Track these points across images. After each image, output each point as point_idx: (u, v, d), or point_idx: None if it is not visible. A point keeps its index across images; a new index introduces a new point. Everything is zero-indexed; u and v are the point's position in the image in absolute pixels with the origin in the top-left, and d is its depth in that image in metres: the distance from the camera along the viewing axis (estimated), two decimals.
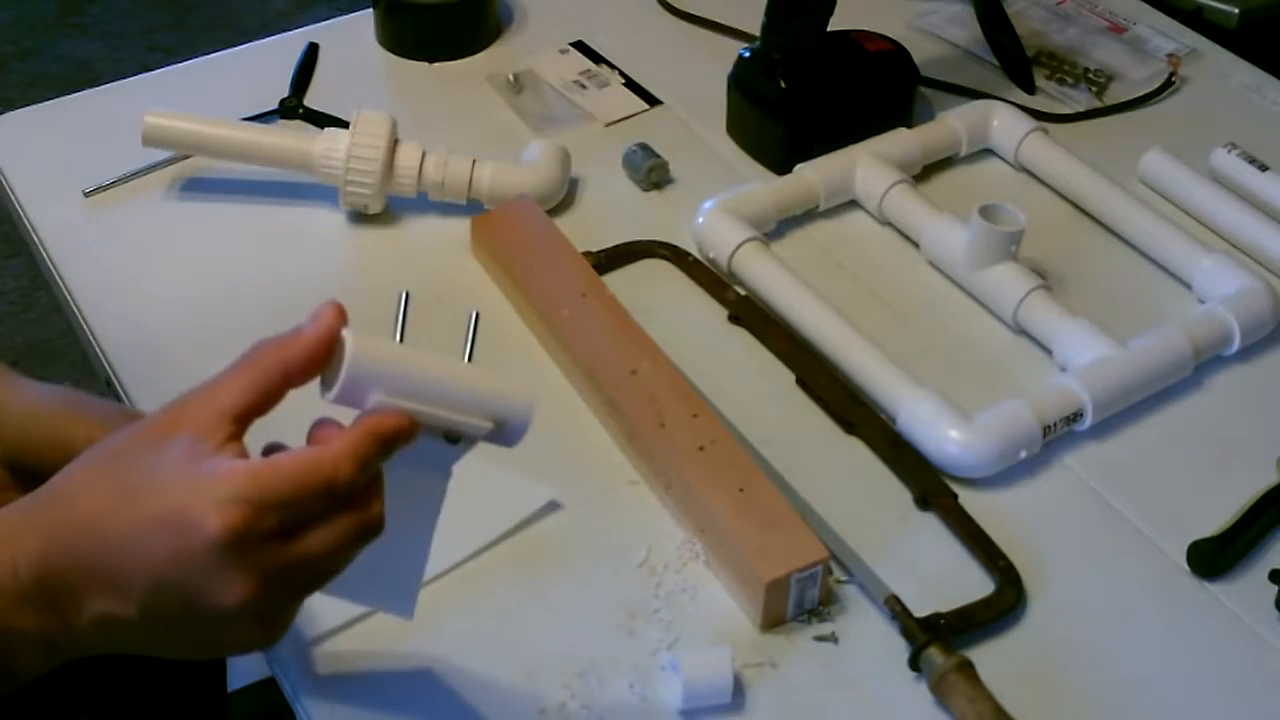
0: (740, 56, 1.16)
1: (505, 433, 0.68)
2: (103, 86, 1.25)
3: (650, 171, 1.12)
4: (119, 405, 0.79)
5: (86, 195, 1.10)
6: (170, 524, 0.58)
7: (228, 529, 0.57)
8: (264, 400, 0.61)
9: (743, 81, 1.16)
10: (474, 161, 1.07)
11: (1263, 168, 1.11)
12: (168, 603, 0.59)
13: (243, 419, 0.61)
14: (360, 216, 1.09)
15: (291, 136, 1.08)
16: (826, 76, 1.14)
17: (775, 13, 1.11)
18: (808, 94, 1.13)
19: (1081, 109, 1.23)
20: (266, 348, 0.62)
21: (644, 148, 1.14)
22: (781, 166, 1.13)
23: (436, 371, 0.66)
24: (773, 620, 0.82)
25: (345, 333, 0.63)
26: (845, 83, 1.15)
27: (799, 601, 0.82)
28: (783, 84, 1.12)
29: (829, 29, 1.12)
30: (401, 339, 0.98)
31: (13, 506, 0.62)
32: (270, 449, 0.63)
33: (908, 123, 1.17)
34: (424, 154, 1.07)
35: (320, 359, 0.62)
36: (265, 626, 0.62)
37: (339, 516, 0.61)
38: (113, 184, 1.11)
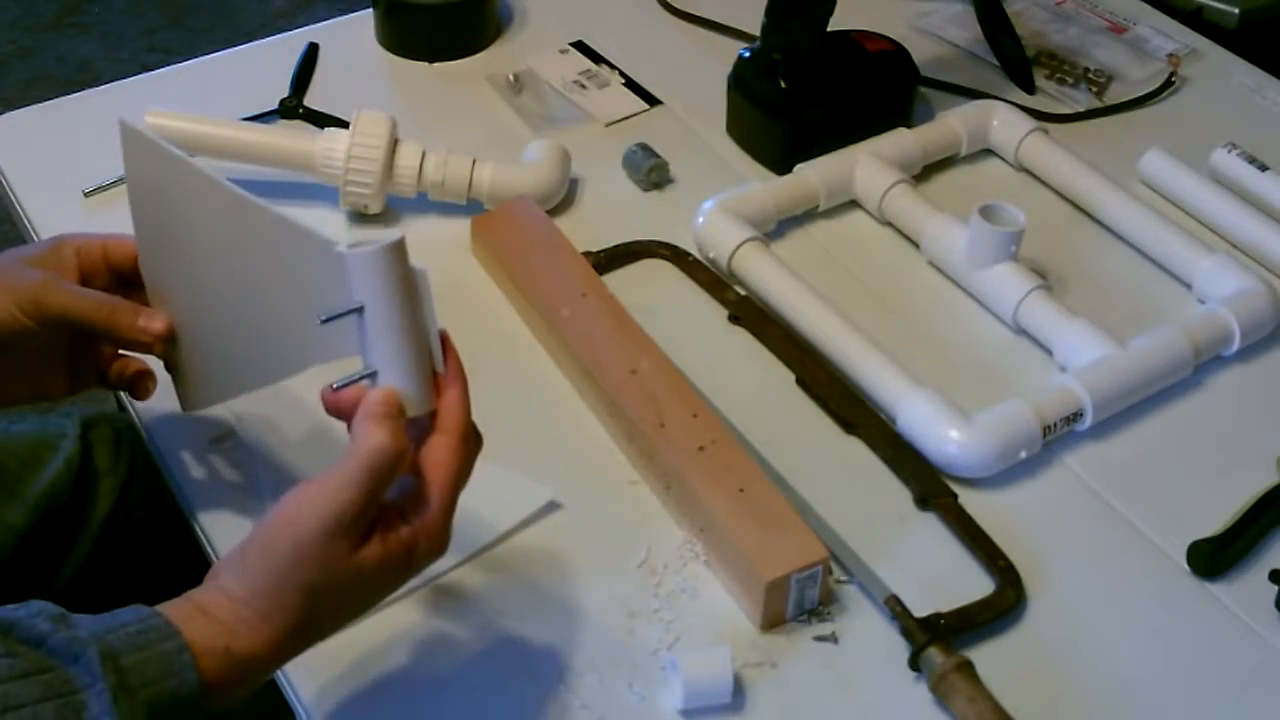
0: (740, 57, 1.16)
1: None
2: (103, 86, 1.25)
3: (650, 171, 1.12)
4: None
5: (86, 195, 1.10)
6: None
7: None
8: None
9: (743, 82, 1.16)
10: (474, 161, 1.07)
11: (1263, 168, 1.11)
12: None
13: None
14: (360, 216, 1.09)
15: (292, 136, 1.08)
16: (826, 77, 1.14)
17: (775, 13, 1.11)
18: (808, 94, 1.13)
19: (1081, 109, 1.23)
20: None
21: (644, 148, 1.14)
22: (781, 167, 1.13)
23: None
24: (773, 620, 0.82)
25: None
26: (845, 83, 1.15)
27: (799, 601, 0.82)
28: (783, 84, 1.12)
29: (829, 29, 1.12)
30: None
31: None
32: None
33: (908, 123, 1.17)
34: (424, 154, 1.07)
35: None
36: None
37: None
38: (113, 184, 1.11)
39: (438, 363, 0.72)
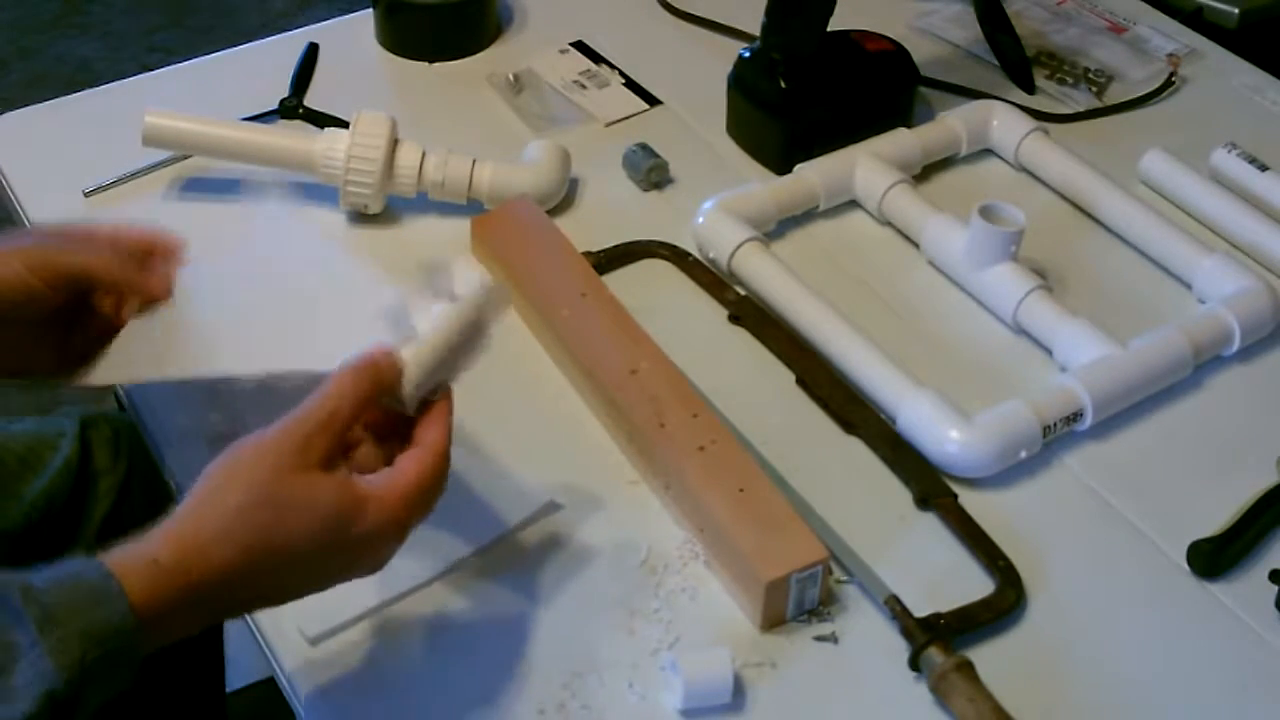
0: (740, 57, 1.16)
1: None
2: (103, 86, 1.25)
3: (650, 171, 1.12)
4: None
5: (86, 195, 1.10)
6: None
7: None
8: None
9: (743, 82, 1.16)
10: (474, 161, 1.07)
11: (1263, 168, 1.11)
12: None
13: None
14: (360, 216, 1.09)
15: (292, 137, 1.08)
16: (826, 77, 1.14)
17: (775, 13, 1.11)
18: (808, 94, 1.13)
19: (1081, 109, 1.23)
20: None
21: (644, 148, 1.14)
22: (781, 166, 1.13)
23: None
24: (773, 620, 0.82)
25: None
26: (845, 83, 1.15)
27: (799, 601, 0.82)
28: (783, 84, 1.12)
29: (829, 29, 1.12)
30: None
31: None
32: None
33: (907, 122, 1.17)
34: (424, 154, 1.07)
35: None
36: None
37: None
38: (113, 184, 1.11)
39: (442, 388, 0.75)
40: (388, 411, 0.74)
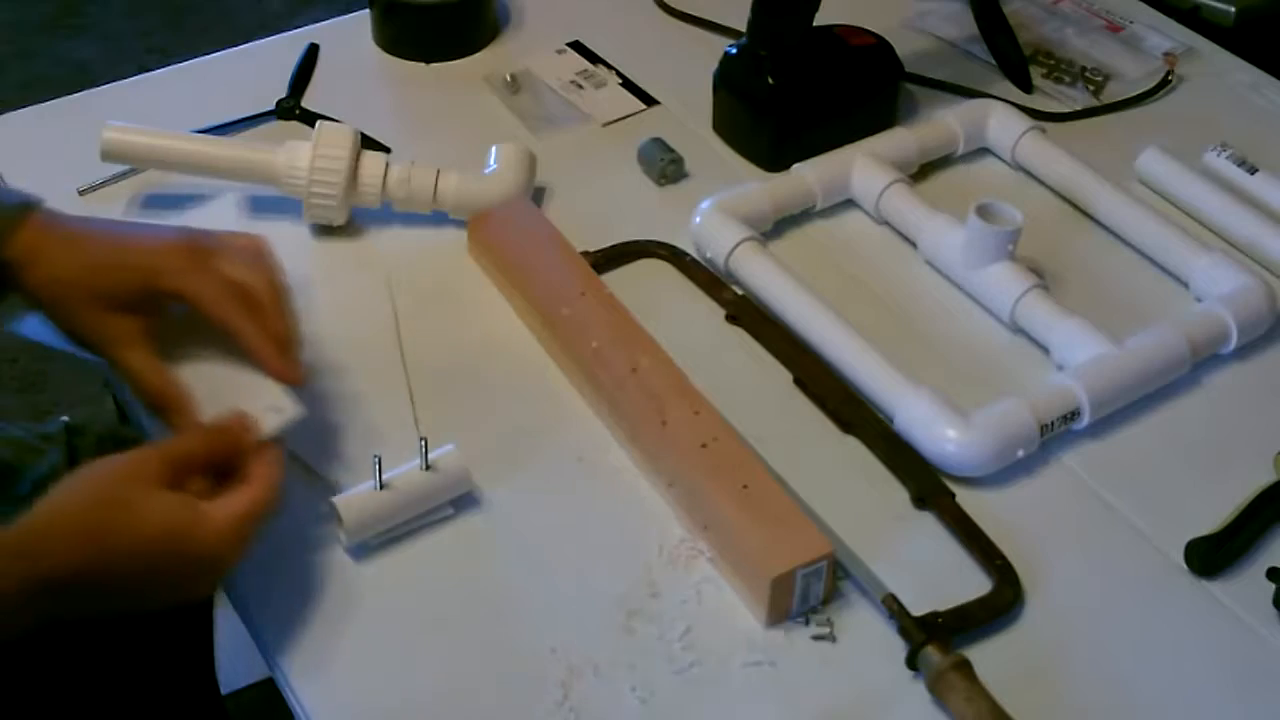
0: (726, 54, 1.16)
1: None
2: (100, 88, 1.25)
3: (667, 165, 1.12)
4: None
5: (80, 194, 1.10)
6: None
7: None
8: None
9: (729, 79, 1.16)
10: (438, 171, 1.06)
11: (1252, 170, 1.11)
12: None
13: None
14: (325, 229, 1.07)
15: (254, 149, 1.06)
16: (812, 72, 1.14)
17: (762, 9, 1.11)
18: (795, 89, 1.13)
19: (1078, 108, 1.23)
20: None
21: (659, 142, 1.14)
22: (770, 163, 1.13)
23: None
24: (778, 616, 0.82)
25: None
26: (831, 78, 1.15)
27: (804, 597, 0.82)
28: (770, 80, 1.12)
29: (813, 25, 1.12)
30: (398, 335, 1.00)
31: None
32: None
33: (893, 117, 1.17)
34: (387, 165, 1.05)
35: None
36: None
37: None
38: (104, 183, 1.11)
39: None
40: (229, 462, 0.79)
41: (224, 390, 0.83)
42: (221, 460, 0.78)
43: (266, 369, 0.84)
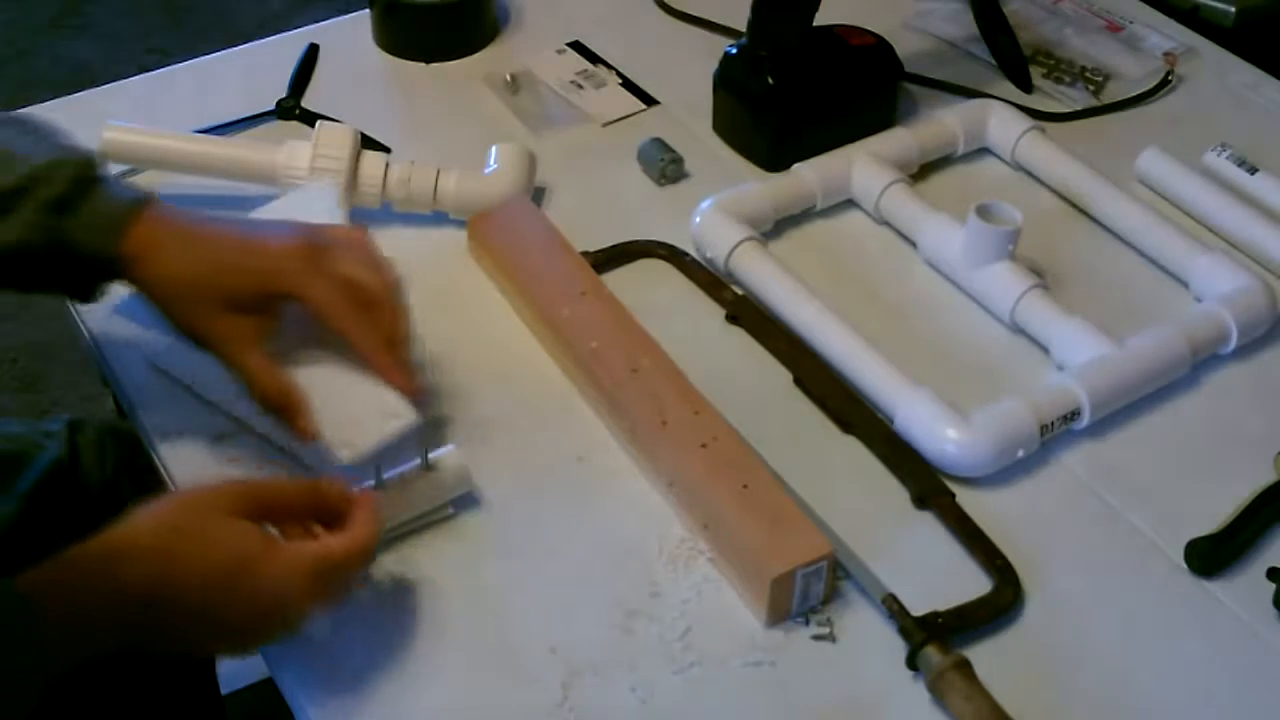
0: (726, 54, 1.16)
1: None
2: (100, 88, 1.25)
3: (667, 165, 1.12)
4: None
5: None
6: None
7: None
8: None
9: (729, 79, 1.16)
10: (438, 171, 1.06)
11: (1252, 170, 1.11)
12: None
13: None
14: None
15: (253, 149, 1.06)
16: (812, 72, 1.14)
17: (762, 9, 1.11)
18: (795, 89, 1.13)
19: (1078, 108, 1.23)
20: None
21: (659, 142, 1.14)
22: (770, 162, 1.14)
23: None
24: (777, 616, 0.82)
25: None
26: (831, 77, 1.15)
27: (804, 596, 0.82)
28: (770, 80, 1.12)
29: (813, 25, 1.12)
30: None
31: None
32: None
33: (893, 116, 1.17)
34: (387, 165, 1.05)
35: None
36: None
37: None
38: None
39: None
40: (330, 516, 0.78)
41: (339, 394, 0.83)
42: (322, 513, 0.78)
43: (383, 377, 0.84)
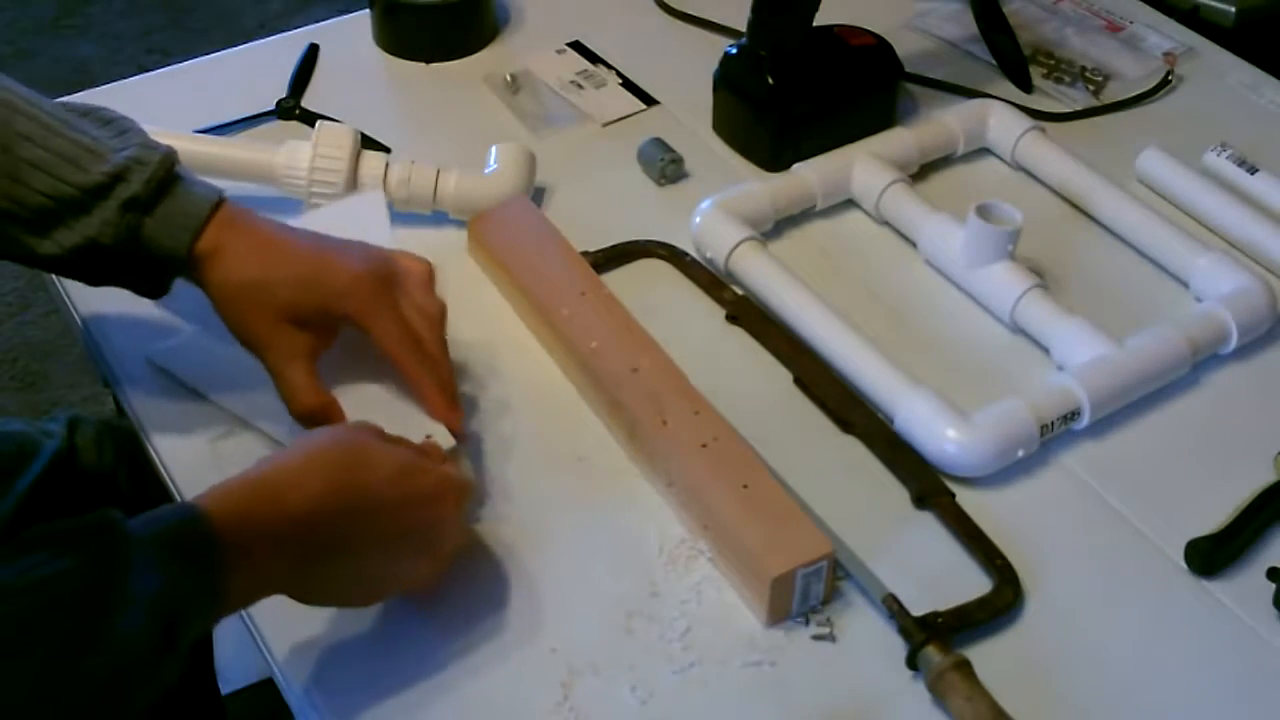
0: (726, 54, 1.16)
1: None
2: (100, 88, 1.25)
3: (667, 165, 1.12)
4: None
5: None
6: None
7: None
8: None
9: (730, 79, 1.16)
10: (438, 171, 1.06)
11: (1252, 170, 1.11)
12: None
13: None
14: None
15: (253, 149, 1.06)
16: (812, 72, 1.14)
17: (761, 9, 1.11)
18: (795, 89, 1.13)
19: (1078, 108, 1.23)
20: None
21: (659, 142, 1.14)
22: (770, 163, 1.14)
23: None
24: (777, 616, 0.82)
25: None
26: (831, 78, 1.15)
27: (804, 596, 0.82)
28: (770, 80, 1.12)
29: (813, 25, 1.12)
30: None
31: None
32: None
33: (893, 116, 1.17)
34: (387, 165, 1.05)
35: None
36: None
37: None
38: None
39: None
40: None
41: (382, 421, 0.82)
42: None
43: (433, 414, 0.85)
